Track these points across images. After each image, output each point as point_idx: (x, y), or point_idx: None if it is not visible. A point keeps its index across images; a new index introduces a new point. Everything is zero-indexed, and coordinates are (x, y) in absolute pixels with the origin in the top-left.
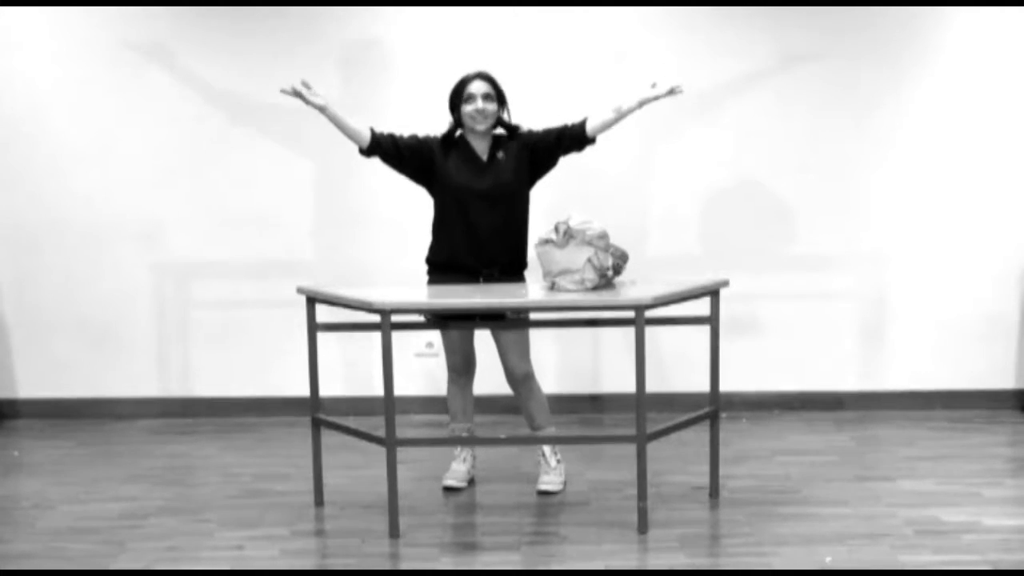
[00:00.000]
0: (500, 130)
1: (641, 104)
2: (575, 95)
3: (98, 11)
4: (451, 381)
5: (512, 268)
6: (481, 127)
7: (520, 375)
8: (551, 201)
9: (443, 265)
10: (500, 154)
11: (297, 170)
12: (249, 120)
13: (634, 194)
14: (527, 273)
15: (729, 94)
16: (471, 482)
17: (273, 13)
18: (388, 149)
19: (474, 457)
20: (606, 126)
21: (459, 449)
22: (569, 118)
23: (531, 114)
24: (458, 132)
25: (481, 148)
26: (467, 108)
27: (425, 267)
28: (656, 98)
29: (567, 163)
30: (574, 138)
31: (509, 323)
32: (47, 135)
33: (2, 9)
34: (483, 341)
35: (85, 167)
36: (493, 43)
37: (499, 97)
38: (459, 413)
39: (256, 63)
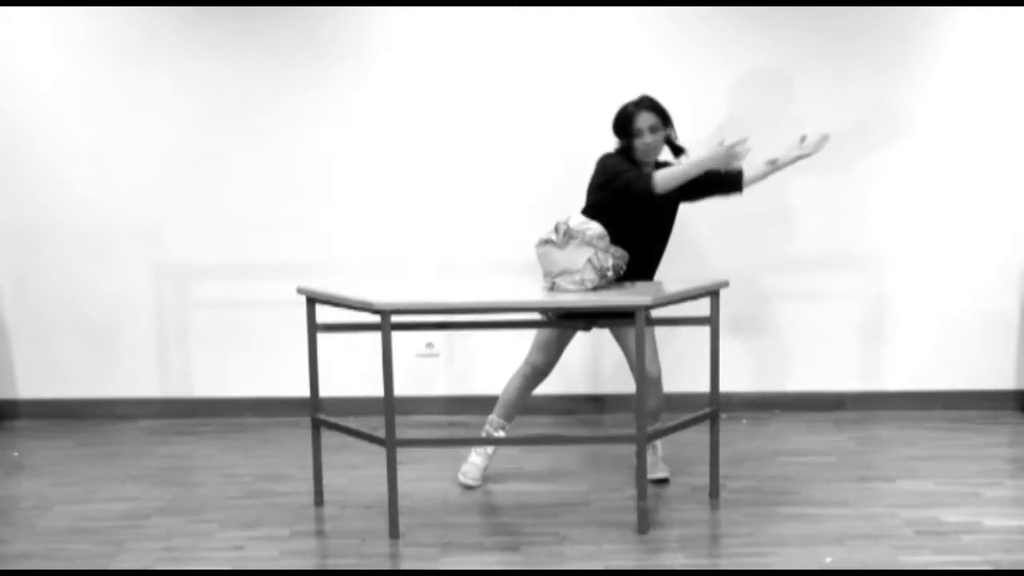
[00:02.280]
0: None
1: (796, 159)
2: (575, 96)
3: (98, 11)
4: (524, 376)
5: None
6: (652, 158)
7: (655, 376)
8: (551, 201)
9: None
10: None
11: (297, 171)
12: (249, 120)
13: None
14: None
15: (729, 95)
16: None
17: (273, 13)
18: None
19: (494, 451)
20: (759, 179)
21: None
22: (575, 119)
23: (532, 113)
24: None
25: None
26: (637, 142)
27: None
28: (809, 155)
29: (566, 163)
30: (727, 184)
31: (623, 321)
32: (47, 135)
33: (2, 9)
34: (488, 342)
35: (85, 167)
36: (495, 45)
37: (664, 121)
38: (510, 407)
39: (256, 63)
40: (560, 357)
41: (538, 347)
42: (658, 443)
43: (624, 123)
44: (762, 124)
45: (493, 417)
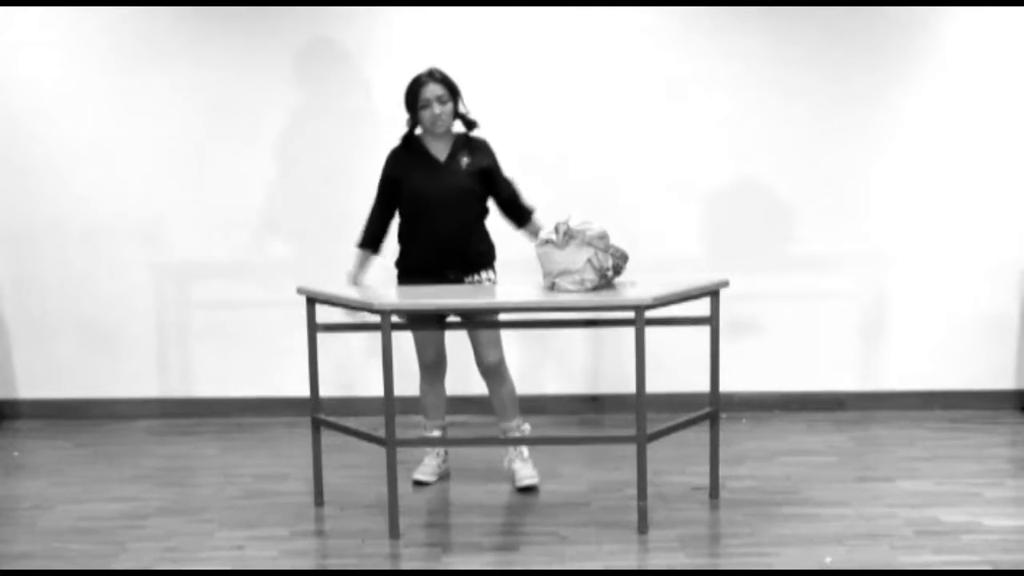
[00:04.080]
0: (460, 126)
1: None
2: (575, 95)
3: (98, 11)
4: (423, 379)
5: (474, 265)
6: (439, 130)
7: (491, 363)
8: (550, 201)
9: (411, 269)
10: (464, 158)
11: (297, 170)
12: (249, 120)
13: (634, 194)
14: (502, 267)
15: (729, 94)
16: (443, 477)
17: (274, 13)
18: (381, 232)
19: (446, 452)
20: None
21: None
22: (574, 119)
23: (528, 114)
24: (417, 130)
25: (438, 148)
26: (423, 113)
27: (395, 271)
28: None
29: (567, 163)
30: (514, 214)
31: (484, 323)
32: (48, 135)
33: (4, 9)
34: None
35: (86, 167)
36: (495, 44)
37: (452, 94)
38: (431, 410)
39: (256, 63)
40: (443, 349)
41: (417, 349)
42: (524, 449)
43: (412, 94)
44: (762, 122)
45: (426, 423)
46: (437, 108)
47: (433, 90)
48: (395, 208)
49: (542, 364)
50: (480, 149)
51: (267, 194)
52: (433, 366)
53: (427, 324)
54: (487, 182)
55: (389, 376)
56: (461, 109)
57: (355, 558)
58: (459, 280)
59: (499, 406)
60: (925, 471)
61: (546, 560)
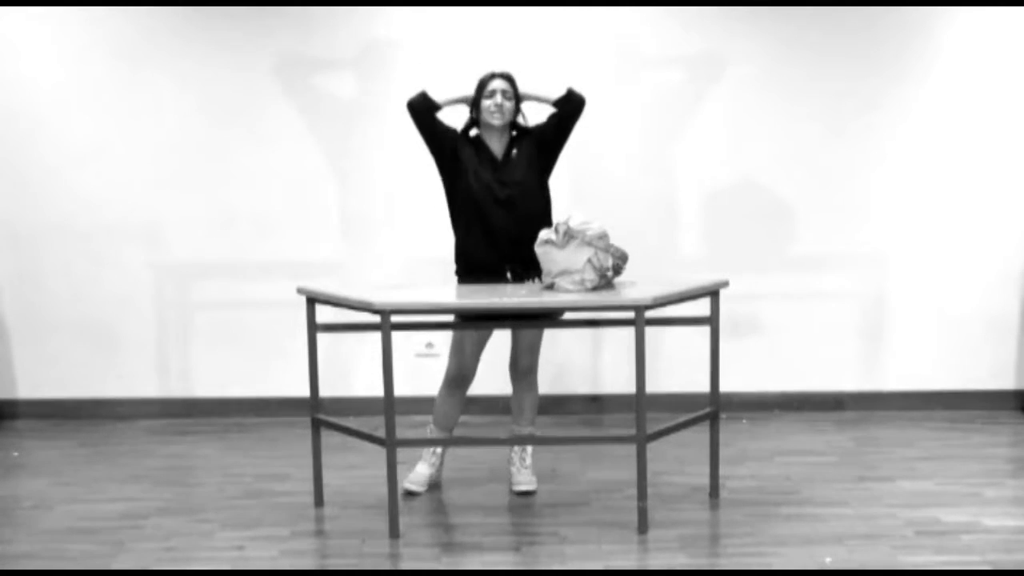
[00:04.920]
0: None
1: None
2: None
3: (98, 11)
4: (445, 386)
5: (535, 264)
6: (497, 122)
7: (525, 367)
8: (552, 201)
9: (471, 268)
10: (514, 151)
11: (297, 170)
12: (250, 120)
13: (634, 194)
14: None
15: (730, 94)
16: (434, 487)
17: (273, 13)
18: (428, 119)
19: (442, 463)
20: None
21: (429, 451)
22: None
23: (533, 113)
24: (474, 131)
25: (497, 147)
26: (486, 102)
27: (454, 268)
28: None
29: (568, 162)
30: (566, 104)
31: (531, 323)
32: (48, 135)
33: (3, 10)
34: (487, 342)
35: (86, 167)
36: (496, 43)
37: (516, 98)
38: (443, 418)
39: (257, 63)
40: (477, 362)
41: (454, 355)
42: (528, 451)
43: (480, 86)
44: (762, 122)
45: (431, 425)
46: (500, 98)
47: (500, 83)
48: (435, 129)
49: (542, 364)
50: (524, 135)
51: (267, 194)
52: (460, 379)
53: (477, 324)
54: (545, 149)
55: (389, 376)
56: (519, 119)
57: (355, 558)
58: (518, 279)
59: (518, 409)
60: (925, 471)
61: (546, 560)
